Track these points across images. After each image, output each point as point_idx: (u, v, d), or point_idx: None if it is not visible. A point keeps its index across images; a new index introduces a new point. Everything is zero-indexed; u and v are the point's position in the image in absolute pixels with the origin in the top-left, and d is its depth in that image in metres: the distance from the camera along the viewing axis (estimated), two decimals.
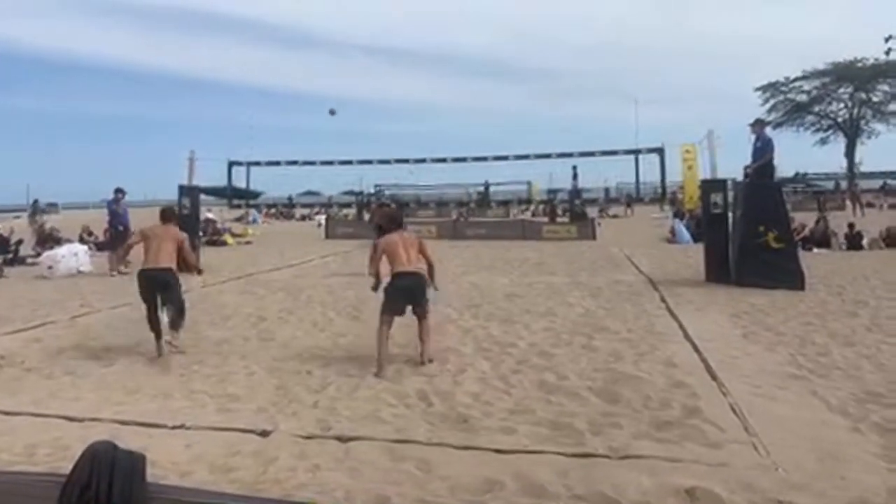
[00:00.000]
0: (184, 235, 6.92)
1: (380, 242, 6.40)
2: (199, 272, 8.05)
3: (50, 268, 13.13)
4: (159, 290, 6.42)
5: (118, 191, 14.58)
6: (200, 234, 16.49)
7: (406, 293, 5.91)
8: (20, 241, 16.98)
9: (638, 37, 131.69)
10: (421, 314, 5.96)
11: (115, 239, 14.07)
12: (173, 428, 4.32)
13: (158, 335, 6.34)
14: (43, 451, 3.91)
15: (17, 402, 4.92)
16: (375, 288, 6.23)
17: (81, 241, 17.38)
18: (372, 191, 47.53)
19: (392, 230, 6.25)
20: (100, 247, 18.29)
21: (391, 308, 5.88)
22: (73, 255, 13.90)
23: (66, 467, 1.29)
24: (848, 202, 31.91)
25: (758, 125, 11.02)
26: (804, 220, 17.08)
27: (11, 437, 4.14)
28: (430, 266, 6.22)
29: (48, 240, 18.05)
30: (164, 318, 6.44)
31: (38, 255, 15.32)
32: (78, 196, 66.03)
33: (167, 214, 6.98)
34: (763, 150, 10.64)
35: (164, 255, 6.47)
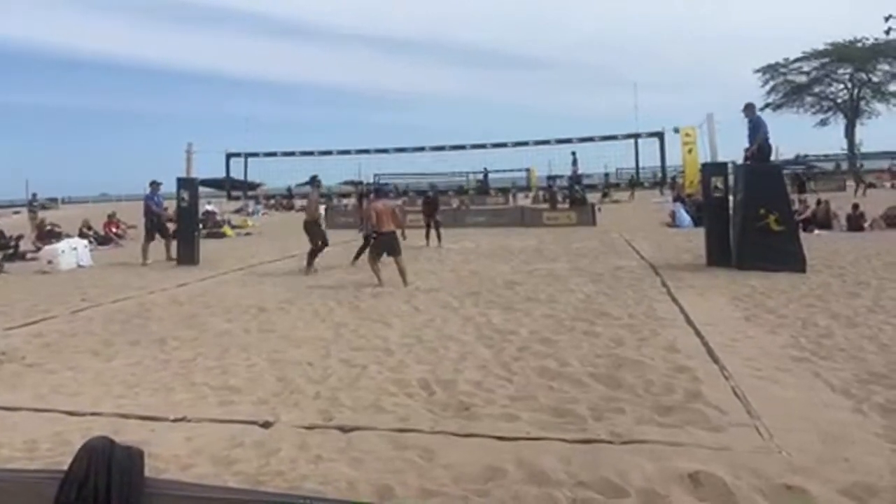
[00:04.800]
0: None
1: None
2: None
3: (50, 262, 13.12)
4: None
5: (154, 183, 14.63)
6: (200, 226, 16.45)
7: None
8: (20, 237, 16.96)
9: (638, 23, 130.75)
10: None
11: (150, 230, 14.20)
12: (174, 421, 4.31)
13: None
14: (44, 446, 3.90)
15: (18, 397, 4.91)
16: None
17: (81, 235, 17.36)
18: (371, 180, 47.15)
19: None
20: (100, 241, 18.30)
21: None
22: (72, 250, 13.88)
23: (67, 462, 1.27)
24: (851, 182, 31.87)
25: (749, 109, 11.11)
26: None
27: (12, 433, 4.13)
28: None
29: (48, 235, 18.03)
30: None
31: (38, 250, 15.32)
32: (77, 190, 66.01)
33: None
34: (755, 131, 10.68)
35: None
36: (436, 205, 16.71)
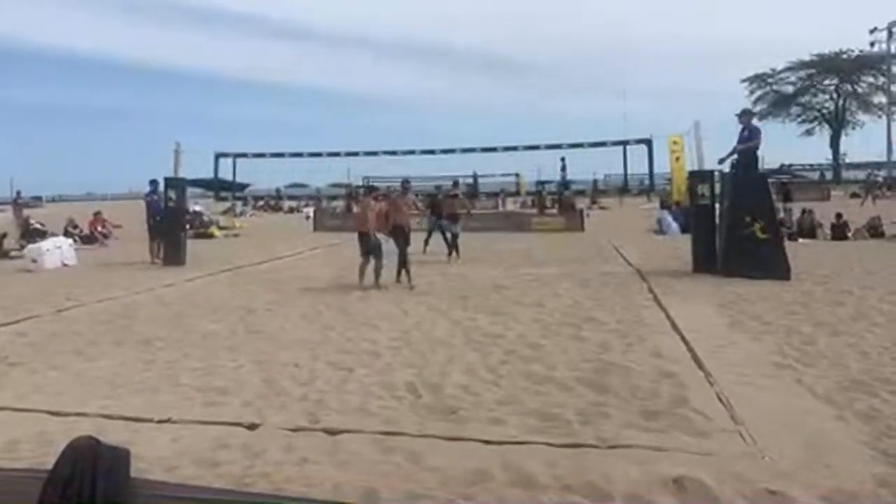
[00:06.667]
0: None
1: None
2: None
3: (34, 261, 12.99)
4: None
5: (154, 182, 14.56)
6: (187, 226, 16.35)
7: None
8: (4, 235, 16.77)
9: (627, 32, 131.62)
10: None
11: (153, 229, 14.11)
12: (159, 422, 4.28)
13: None
14: (26, 446, 3.85)
15: (0, 396, 4.85)
16: None
17: (66, 234, 17.19)
18: (360, 182, 47.18)
19: None
20: (84, 240, 18.13)
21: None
22: (57, 249, 13.75)
23: (49, 463, 1.26)
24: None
25: (746, 116, 11.16)
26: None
27: None
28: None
29: (33, 233, 17.84)
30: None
31: (22, 248, 15.15)
32: (62, 189, 65.44)
33: None
34: (750, 138, 10.75)
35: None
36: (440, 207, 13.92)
